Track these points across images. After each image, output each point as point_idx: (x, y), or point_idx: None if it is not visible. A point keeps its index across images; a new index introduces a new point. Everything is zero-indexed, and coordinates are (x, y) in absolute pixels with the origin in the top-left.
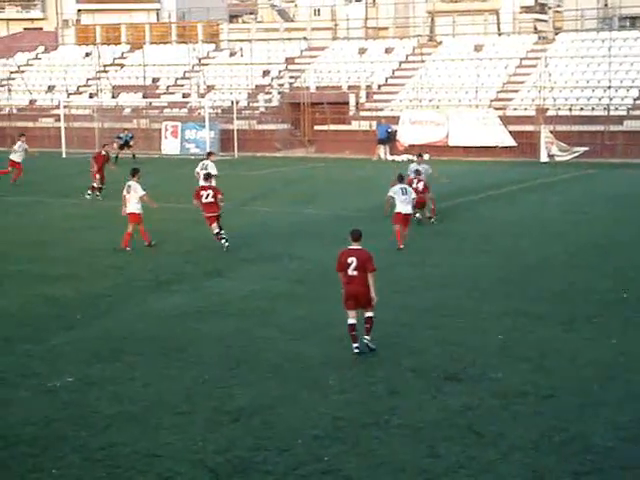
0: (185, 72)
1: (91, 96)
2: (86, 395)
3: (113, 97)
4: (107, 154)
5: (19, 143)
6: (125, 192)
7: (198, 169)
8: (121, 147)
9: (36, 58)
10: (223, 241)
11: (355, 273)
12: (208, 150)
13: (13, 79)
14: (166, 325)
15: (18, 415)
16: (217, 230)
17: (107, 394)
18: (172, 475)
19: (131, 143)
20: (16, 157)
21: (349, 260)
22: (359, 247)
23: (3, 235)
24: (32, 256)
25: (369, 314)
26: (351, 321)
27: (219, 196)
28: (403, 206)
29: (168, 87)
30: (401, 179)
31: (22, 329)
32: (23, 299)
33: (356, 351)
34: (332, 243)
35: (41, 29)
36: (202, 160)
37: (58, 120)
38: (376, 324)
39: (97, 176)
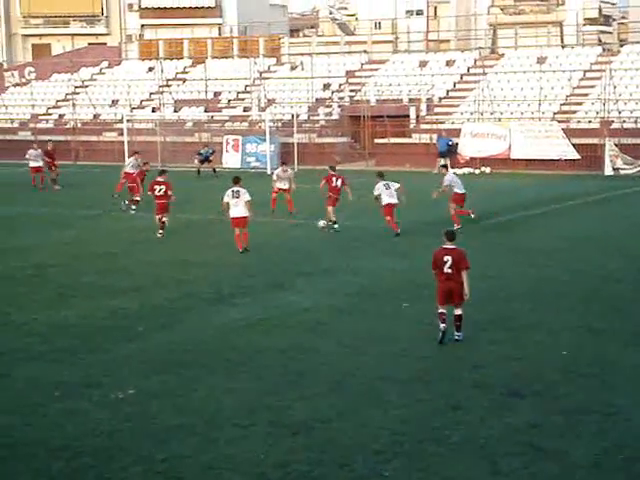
0: (246, 86)
1: (154, 110)
2: (148, 407)
3: (175, 111)
4: (145, 170)
5: (131, 159)
6: (230, 198)
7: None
8: (201, 162)
9: (100, 73)
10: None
11: (450, 271)
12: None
13: (77, 94)
14: (227, 338)
15: (82, 426)
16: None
17: (169, 406)
18: None
19: (211, 158)
20: (128, 169)
21: (445, 258)
22: (453, 246)
23: (71, 248)
24: (99, 268)
25: (458, 312)
26: (441, 310)
27: (169, 192)
28: (389, 198)
29: (229, 101)
30: (381, 175)
31: (86, 340)
32: (88, 310)
33: (442, 327)
34: (392, 257)
35: (105, 44)
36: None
37: (121, 134)
38: (436, 340)
39: (137, 190)
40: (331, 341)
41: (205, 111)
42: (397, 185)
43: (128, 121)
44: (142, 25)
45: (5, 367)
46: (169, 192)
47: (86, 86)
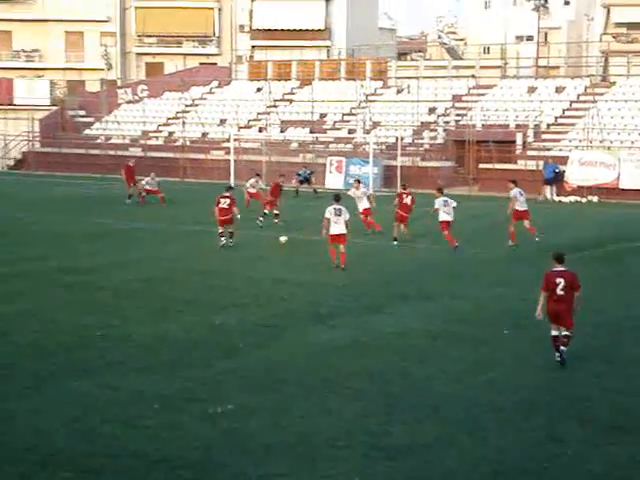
0: (352, 108)
1: (260, 130)
2: (246, 423)
3: (281, 131)
4: (282, 184)
5: (252, 180)
6: (331, 215)
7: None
8: (301, 182)
9: (210, 92)
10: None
11: (562, 293)
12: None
13: (187, 112)
14: (325, 358)
15: (181, 439)
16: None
17: (266, 423)
18: None
19: (312, 179)
20: (251, 189)
21: (557, 281)
22: (564, 268)
23: (175, 263)
24: (201, 284)
25: (567, 333)
26: (554, 333)
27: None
28: (445, 215)
29: (335, 123)
30: (441, 191)
31: (188, 354)
32: (190, 325)
33: (558, 359)
34: (493, 284)
35: (216, 64)
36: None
37: (228, 153)
38: (537, 369)
39: (272, 204)
40: (429, 366)
41: (310, 132)
42: (454, 203)
43: (235, 140)
44: (252, 46)
45: (111, 378)
46: (233, 207)
47: (196, 105)
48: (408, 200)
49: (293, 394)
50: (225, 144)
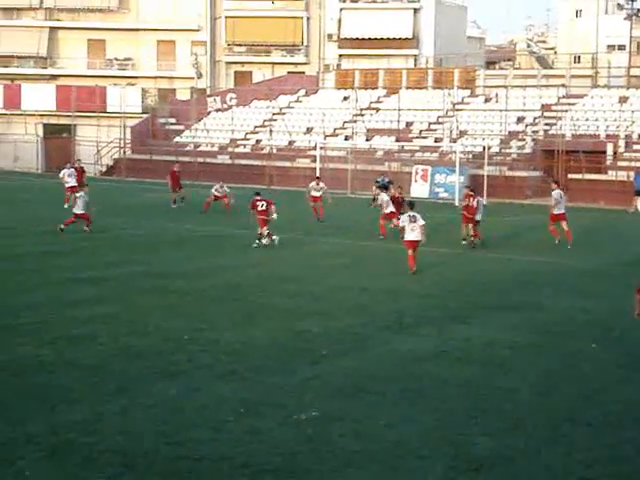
0: (439, 117)
1: (346, 138)
2: (329, 430)
3: (367, 140)
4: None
5: (313, 184)
6: (407, 222)
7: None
8: (380, 189)
9: (297, 101)
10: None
11: None
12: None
13: (275, 120)
14: (408, 367)
15: (265, 444)
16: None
17: (350, 431)
18: None
19: (390, 187)
20: (316, 193)
21: None
22: None
23: (260, 269)
24: (285, 290)
25: None
26: None
27: (272, 207)
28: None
29: (421, 131)
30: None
31: (271, 361)
32: (275, 331)
33: None
34: (581, 295)
35: (303, 73)
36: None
37: (314, 161)
38: (624, 383)
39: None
40: (514, 378)
41: (396, 141)
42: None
43: (321, 148)
44: (340, 55)
45: (197, 382)
46: (271, 207)
47: (283, 113)
48: (474, 202)
49: (376, 403)
50: (311, 152)
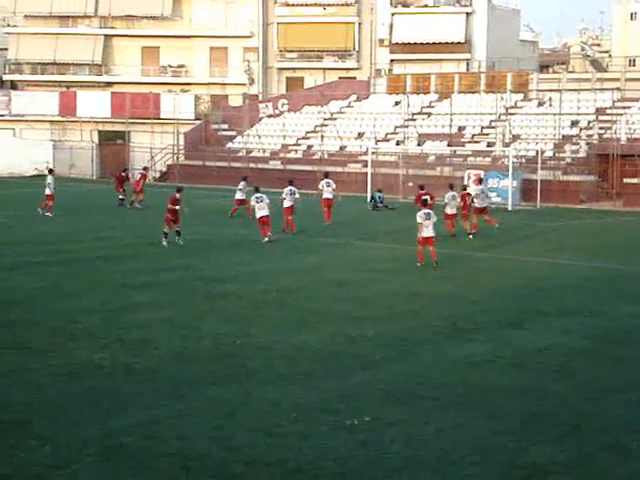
0: (491, 121)
1: (398, 143)
2: (382, 436)
3: (419, 145)
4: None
5: (324, 183)
6: (422, 219)
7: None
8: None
9: (348, 106)
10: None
11: None
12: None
13: (326, 126)
14: (460, 373)
15: (317, 449)
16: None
17: (402, 437)
18: None
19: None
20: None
21: None
22: None
23: (312, 274)
24: (337, 295)
25: None
26: None
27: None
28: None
29: (473, 136)
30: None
31: (323, 365)
32: (327, 336)
33: None
34: (633, 301)
35: (355, 78)
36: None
37: (365, 166)
38: None
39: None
40: (568, 384)
41: (448, 145)
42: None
43: (372, 153)
44: (391, 60)
45: (250, 386)
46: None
47: (334, 119)
48: (469, 200)
49: (429, 408)
50: (362, 157)
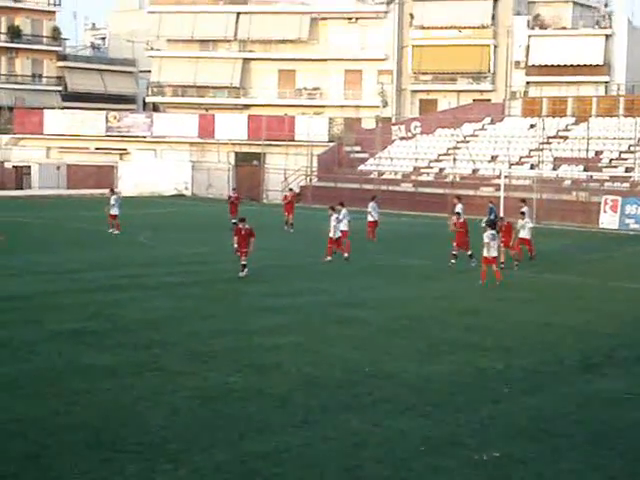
0: (630, 146)
1: (532, 167)
2: (511, 473)
3: (554, 169)
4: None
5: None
6: (489, 239)
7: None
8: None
9: (482, 129)
10: None
11: None
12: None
13: (459, 148)
14: (594, 409)
15: None
16: None
17: (532, 475)
18: None
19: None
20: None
21: None
22: None
23: (441, 302)
24: (465, 324)
25: None
26: None
27: None
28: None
29: (611, 160)
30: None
31: (452, 397)
32: (455, 366)
33: None
34: None
35: (489, 101)
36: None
37: (498, 189)
38: None
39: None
40: None
41: (584, 170)
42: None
43: (506, 177)
44: (527, 82)
45: (378, 416)
46: None
47: (467, 141)
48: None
49: (561, 446)
50: (495, 181)
